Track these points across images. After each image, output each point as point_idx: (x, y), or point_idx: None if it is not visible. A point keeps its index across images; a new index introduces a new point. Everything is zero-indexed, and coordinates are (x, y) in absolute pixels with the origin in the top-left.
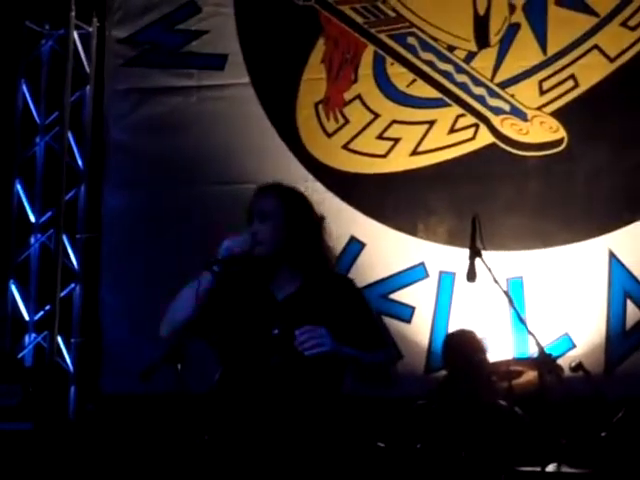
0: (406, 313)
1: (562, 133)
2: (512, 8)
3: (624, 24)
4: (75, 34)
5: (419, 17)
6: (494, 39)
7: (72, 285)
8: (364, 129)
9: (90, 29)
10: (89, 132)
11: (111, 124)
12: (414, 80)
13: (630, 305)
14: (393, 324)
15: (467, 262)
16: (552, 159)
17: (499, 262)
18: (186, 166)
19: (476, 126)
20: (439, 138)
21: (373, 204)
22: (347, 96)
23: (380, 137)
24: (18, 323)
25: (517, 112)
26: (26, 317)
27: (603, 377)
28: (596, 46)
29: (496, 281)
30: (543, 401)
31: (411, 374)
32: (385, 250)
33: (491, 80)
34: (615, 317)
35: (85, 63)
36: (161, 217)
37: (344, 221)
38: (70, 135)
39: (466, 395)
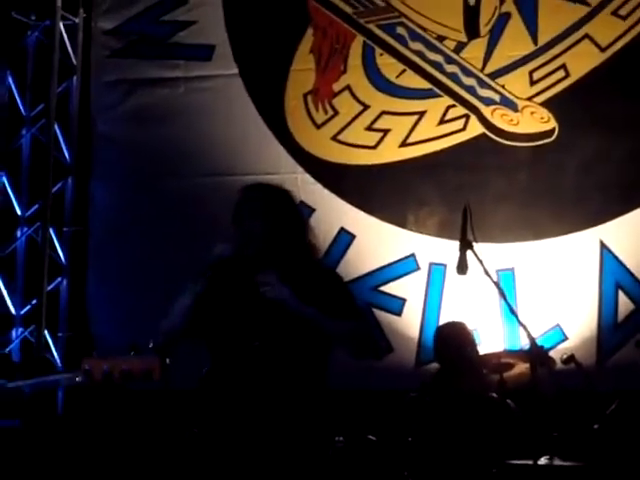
0: (396, 305)
1: (553, 123)
2: None
3: (615, 13)
4: (61, 25)
5: (408, 7)
6: (484, 29)
7: (59, 279)
8: (353, 120)
9: (76, 20)
10: (76, 124)
11: (98, 116)
12: (404, 71)
13: (622, 296)
14: (384, 317)
15: (458, 254)
16: (543, 150)
17: (490, 254)
18: (173, 158)
19: (466, 117)
20: (429, 129)
21: (363, 195)
22: (336, 87)
23: (370, 128)
24: (5, 317)
25: (507, 102)
26: (13, 311)
27: (595, 369)
28: (587, 35)
29: (487, 273)
30: (535, 394)
31: (402, 367)
32: (375, 242)
33: (481, 70)
34: (607, 309)
35: (71, 54)
36: (148, 210)
37: (334, 213)
38: (57, 127)
39: (457, 388)
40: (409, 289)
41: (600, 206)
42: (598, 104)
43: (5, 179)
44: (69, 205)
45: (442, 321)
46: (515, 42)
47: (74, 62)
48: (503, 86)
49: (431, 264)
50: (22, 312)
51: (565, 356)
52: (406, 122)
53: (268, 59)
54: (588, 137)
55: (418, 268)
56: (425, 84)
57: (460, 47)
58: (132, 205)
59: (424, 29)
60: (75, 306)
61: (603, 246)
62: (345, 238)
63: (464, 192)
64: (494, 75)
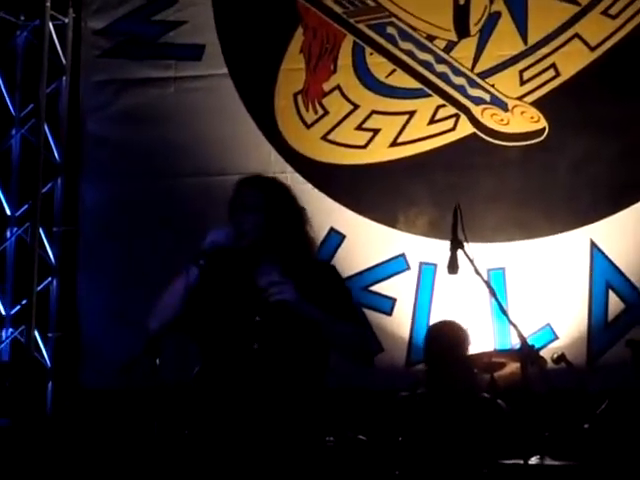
0: (387, 305)
1: (543, 123)
2: None
3: (605, 12)
4: (51, 25)
5: (398, 6)
6: (474, 29)
7: (49, 279)
8: (343, 120)
9: (66, 20)
10: (65, 124)
11: (88, 116)
12: (394, 70)
13: (612, 296)
14: (374, 316)
15: (449, 253)
16: (533, 149)
17: (480, 253)
18: (164, 158)
19: (456, 116)
20: (419, 129)
21: (353, 195)
22: (326, 87)
23: (360, 128)
24: None
25: (498, 102)
26: (2, 311)
27: (585, 368)
28: (577, 35)
29: (478, 272)
30: (525, 393)
31: (392, 367)
32: (365, 242)
33: (471, 70)
34: (597, 308)
35: (61, 54)
36: (139, 210)
37: (324, 212)
38: (46, 127)
39: (448, 387)
40: (399, 289)
41: (590, 206)
42: (588, 103)
43: None
44: (59, 205)
45: (432, 321)
46: (505, 41)
47: (64, 62)
48: (493, 85)
49: (421, 264)
50: (12, 312)
51: (556, 355)
52: (396, 122)
53: (258, 59)
54: (578, 137)
55: (408, 268)
56: (415, 84)
57: (450, 46)
58: (122, 205)
59: (414, 29)
60: (65, 306)
61: (593, 245)
62: (335, 238)
63: (454, 192)
64: (484, 74)
